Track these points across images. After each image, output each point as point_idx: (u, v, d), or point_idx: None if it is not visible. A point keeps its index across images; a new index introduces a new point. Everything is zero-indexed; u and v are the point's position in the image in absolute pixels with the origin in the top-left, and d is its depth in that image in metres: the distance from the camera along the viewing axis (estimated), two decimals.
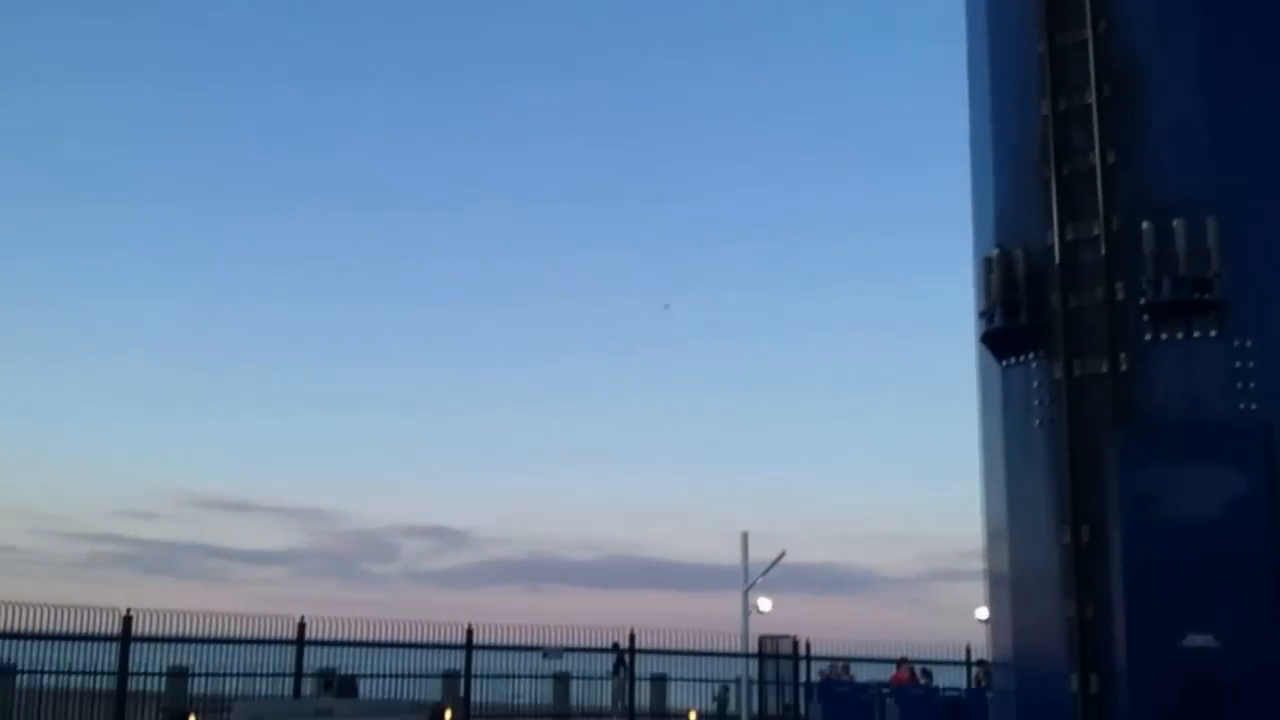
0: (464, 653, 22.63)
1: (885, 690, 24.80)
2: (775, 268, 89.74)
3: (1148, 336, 11.25)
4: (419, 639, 22.13)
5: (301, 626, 20.37)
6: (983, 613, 13.98)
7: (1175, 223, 11.16)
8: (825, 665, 26.23)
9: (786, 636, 25.89)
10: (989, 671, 23.25)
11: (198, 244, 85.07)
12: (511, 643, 23.22)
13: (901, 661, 26.22)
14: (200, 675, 19.75)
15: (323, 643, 20.98)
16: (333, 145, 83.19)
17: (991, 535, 13.18)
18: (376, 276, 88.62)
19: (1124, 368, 11.37)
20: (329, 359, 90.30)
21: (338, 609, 30.68)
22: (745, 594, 27.38)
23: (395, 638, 21.81)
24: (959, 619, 29.18)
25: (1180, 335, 11.18)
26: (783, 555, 27.49)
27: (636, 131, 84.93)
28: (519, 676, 23.70)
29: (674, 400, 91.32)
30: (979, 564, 13.69)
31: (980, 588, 13.71)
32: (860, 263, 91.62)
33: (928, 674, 26.35)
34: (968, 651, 26.74)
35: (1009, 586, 12.53)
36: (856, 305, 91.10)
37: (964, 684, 26.13)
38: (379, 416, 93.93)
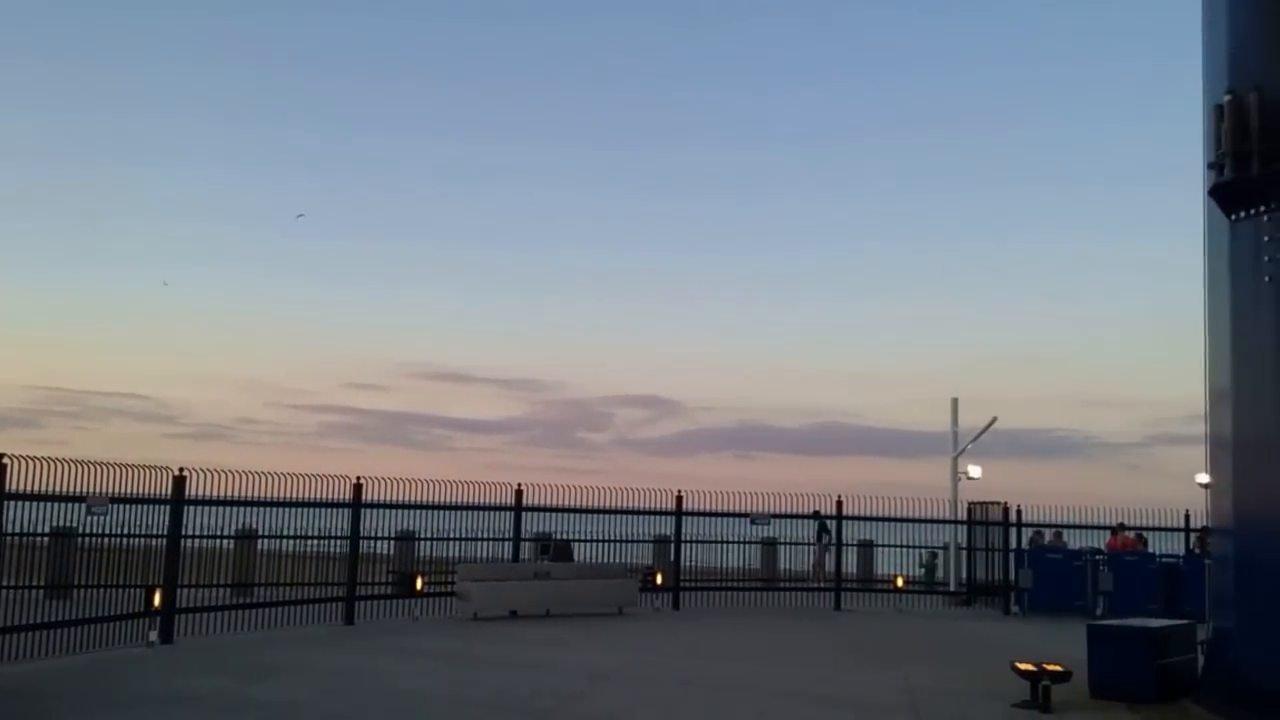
0: (674, 518, 23.31)
1: (1099, 556, 24.34)
2: (983, 105, 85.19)
3: None
4: (630, 505, 22.78)
5: (519, 493, 21.26)
6: (1204, 478, 13.47)
7: None
8: (1035, 531, 25.84)
9: (996, 503, 25.59)
10: (1203, 539, 22.51)
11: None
12: (720, 509, 23.67)
13: (1118, 528, 25.60)
14: (426, 539, 20.65)
15: (539, 509, 21.88)
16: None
17: (1215, 397, 12.69)
18: (597, 162, 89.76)
19: None
20: (536, 236, 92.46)
21: (554, 476, 32.08)
22: (954, 460, 27.18)
23: (608, 504, 22.43)
24: (1182, 485, 28.01)
25: None
26: (993, 421, 27.09)
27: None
28: (727, 542, 24.24)
29: (879, 268, 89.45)
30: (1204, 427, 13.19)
31: (1203, 451, 13.24)
32: (1072, 113, 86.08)
33: (1143, 539, 25.66)
34: (1186, 518, 25.83)
35: (1232, 449, 12.09)
36: (1073, 154, 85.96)
37: (1182, 551, 25.32)
38: (586, 290, 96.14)
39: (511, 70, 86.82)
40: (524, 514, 21.59)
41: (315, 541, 18.74)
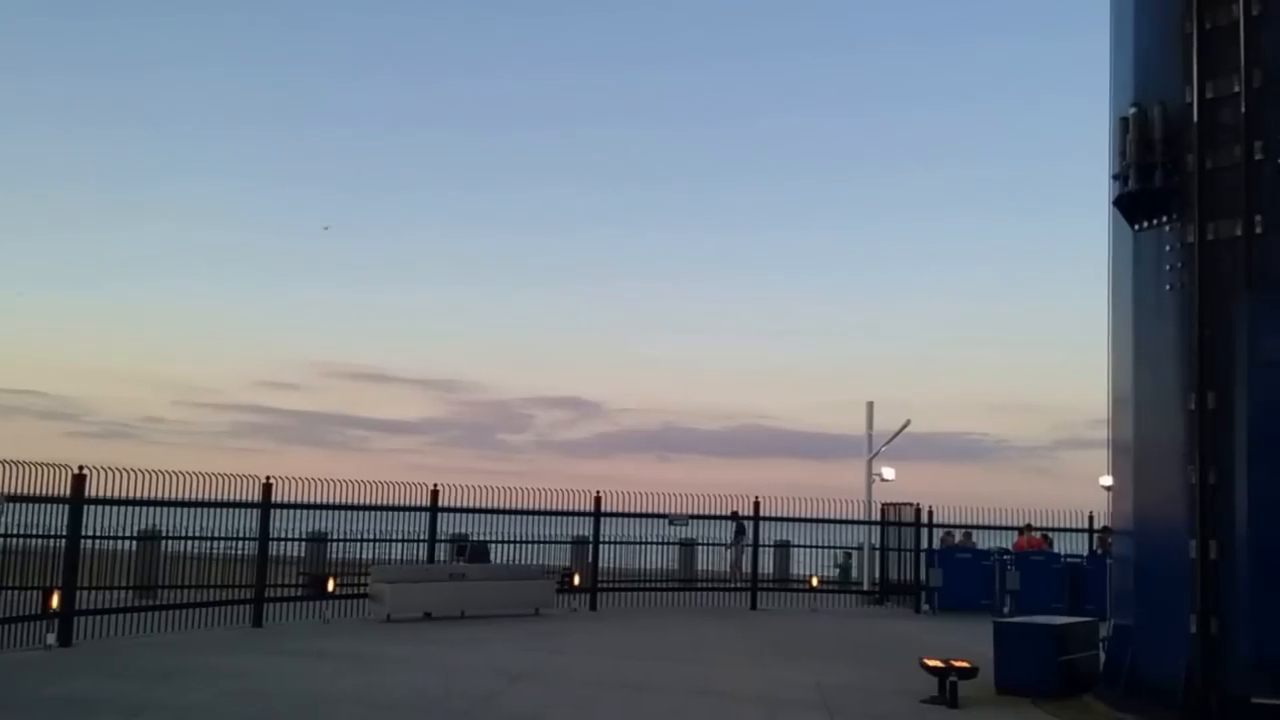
0: (592, 520, 23.29)
1: (1006, 556, 24.85)
2: (895, 135, 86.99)
3: None
4: (549, 506, 22.69)
5: (435, 494, 21.00)
6: (1107, 480, 13.83)
7: None
8: (945, 532, 26.29)
9: (909, 504, 26.00)
10: (1104, 539, 23.13)
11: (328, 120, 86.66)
12: (639, 510, 23.65)
13: (1025, 529, 26.16)
14: (338, 540, 20.30)
15: (455, 509, 21.66)
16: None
17: (1117, 401, 13.03)
18: (514, 152, 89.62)
19: (1259, 231, 10.98)
20: (459, 234, 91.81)
21: (473, 478, 31.82)
22: (869, 462, 27.58)
23: (525, 505, 22.34)
24: (1087, 487, 28.81)
25: None
26: (907, 424, 27.60)
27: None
28: (646, 543, 24.27)
29: (802, 272, 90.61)
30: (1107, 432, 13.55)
31: (1106, 455, 13.60)
32: (985, 124, 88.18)
33: (1048, 540, 26.27)
34: (1090, 519, 26.49)
35: (1132, 452, 12.42)
36: (982, 170, 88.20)
37: (1086, 551, 25.97)
38: (509, 290, 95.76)
39: (421, 62, 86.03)
40: (440, 515, 21.36)
41: (223, 543, 18.31)
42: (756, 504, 24.78)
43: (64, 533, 15.10)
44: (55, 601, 14.53)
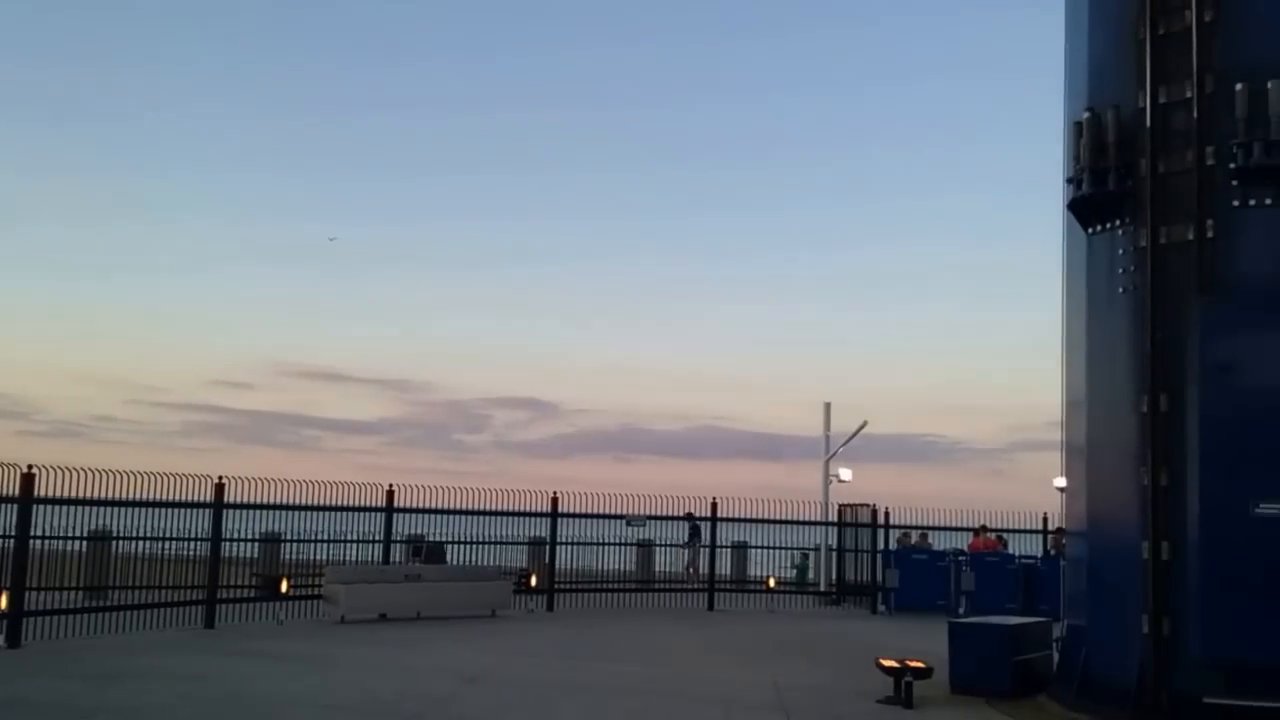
0: (549, 520, 23.20)
1: (961, 557, 25.05)
2: (858, 136, 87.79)
3: (1235, 203, 10.96)
4: (505, 507, 22.54)
5: (390, 494, 20.85)
6: (1060, 481, 13.98)
7: (1270, 85, 10.76)
8: (902, 533, 26.44)
9: (865, 505, 26.13)
10: (1058, 540, 23.38)
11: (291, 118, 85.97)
12: (596, 511, 23.59)
13: (980, 530, 26.39)
14: (292, 541, 20.04)
15: (411, 510, 21.51)
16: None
17: (1071, 403, 13.17)
18: (474, 149, 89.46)
19: (1210, 235, 11.14)
20: (417, 232, 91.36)
21: (430, 478, 31.57)
22: (826, 464, 27.69)
23: (482, 506, 22.19)
24: (1042, 488, 29.09)
25: (1269, 202, 10.85)
26: (864, 425, 27.73)
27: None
28: (603, 544, 24.24)
29: (761, 273, 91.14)
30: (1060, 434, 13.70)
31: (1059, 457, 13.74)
32: (943, 125, 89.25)
33: (1003, 541, 26.52)
34: (1044, 520, 26.76)
35: (1085, 454, 12.56)
36: (939, 172, 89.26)
37: (1040, 552, 26.21)
38: (469, 290, 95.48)
39: (379, 49, 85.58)
40: (395, 515, 21.18)
41: (175, 543, 18.04)
42: (714, 505, 24.80)
43: (12, 532, 14.86)
44: (3, 602, 14.30)
